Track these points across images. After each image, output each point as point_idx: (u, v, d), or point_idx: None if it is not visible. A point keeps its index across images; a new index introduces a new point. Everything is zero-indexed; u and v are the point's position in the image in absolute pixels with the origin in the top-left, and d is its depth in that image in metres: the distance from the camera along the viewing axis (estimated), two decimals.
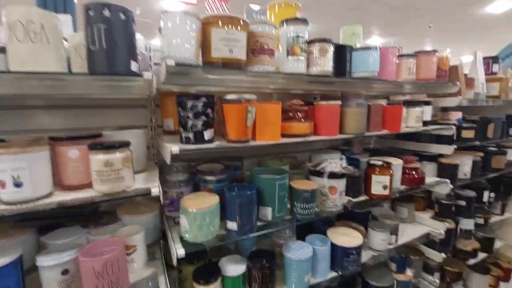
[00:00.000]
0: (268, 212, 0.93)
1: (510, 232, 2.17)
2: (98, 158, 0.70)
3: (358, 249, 1.12)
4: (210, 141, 0.85)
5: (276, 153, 1.45)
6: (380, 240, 1.28)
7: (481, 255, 1.94)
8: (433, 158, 1.64)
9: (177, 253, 0.76)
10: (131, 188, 0.75)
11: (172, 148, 0.74)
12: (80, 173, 0.75)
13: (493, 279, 1.96)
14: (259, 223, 0.95)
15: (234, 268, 0.99)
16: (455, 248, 1.85)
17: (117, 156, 0.71)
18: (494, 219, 2.04)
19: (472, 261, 1.87)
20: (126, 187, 0.73)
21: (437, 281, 1.56)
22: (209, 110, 0.83)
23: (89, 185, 0.74)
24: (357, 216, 1.39)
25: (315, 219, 1.04)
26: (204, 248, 0.85)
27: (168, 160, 0.76)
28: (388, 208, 1.60)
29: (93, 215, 1.02)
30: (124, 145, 0.75)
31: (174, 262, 0.78)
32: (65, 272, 0.73)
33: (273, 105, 0.91)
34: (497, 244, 2.07)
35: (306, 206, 0.98)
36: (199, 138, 0.82)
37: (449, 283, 1.72)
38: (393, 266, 1.45)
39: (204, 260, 1.05)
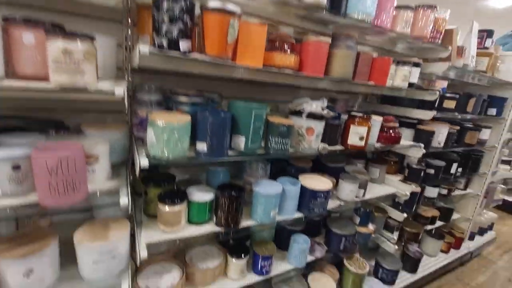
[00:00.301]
0: (241, 142, 0.91)
1: (468, 206, 2.33)
2: (56, 45, 0.63)
3: (326, 193, 1.15)
4: (186, 53, 0.78)
5: (257, 99, 1.41)
6: (348, 191, 1.32)
7: (438, 223, 2.08)
8: (412, 125, 1.66)
9: (140, 163, 0.73)
10: (93, 87, 0.68)
11: (141, 47, 0.67)
12: (36, 62, 0.67)
13: (445, 245, 2.13)
14: (231, 153, 0.93)
15: (201, 195, 0.99)
16: (416, 213, 1.97)
17: (78, 46, 0.64)
18: (456, 192, 2.16)
19: (429, 227, 2.01)
20: (87, 83, 0.67)
21: (395, 238, 1.66)
22: (187, 17, 0.76)
23: (45, 78, 0.67)
24: (330, 170, 1.41)
25: (288, 157, 1.03)
26: (168, 163, 0.82)
27: (136, 61, 0.70)
28: (361, 167, 1.64)
29: (57, 128, 0.95)
30: (88, 37, 0.67)
31: (137, 172, 0.75)
32: (16, 167, 0.69)
33: (258, 25, 0.85)
34: (454, 216, 2.22)
35: (281, 141, 0.97)
36: (173, 46, 0.75)
37: (405, 242, 1.84)
38: (357, 219, 1.52)
39: (172, 186, 1.03)
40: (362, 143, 1.20)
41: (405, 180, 1.68)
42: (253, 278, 1.18)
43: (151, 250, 0.93)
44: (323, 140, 1.15)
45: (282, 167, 1.34)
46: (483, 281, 2.18)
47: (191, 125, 0.84)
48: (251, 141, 0.91)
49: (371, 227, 1.54)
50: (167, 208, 0.91)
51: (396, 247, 1.65)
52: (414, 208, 1.75)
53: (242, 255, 1.14)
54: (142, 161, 0.73)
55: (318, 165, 1.44)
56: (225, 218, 0.99)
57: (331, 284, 1.46)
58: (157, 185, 0.98)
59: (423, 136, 1.60)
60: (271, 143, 0.97)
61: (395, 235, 1.71)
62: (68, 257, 0.83)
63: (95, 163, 0.81)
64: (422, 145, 1.51)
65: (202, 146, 0.83)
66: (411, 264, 1.83)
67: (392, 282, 1.69)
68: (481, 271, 2.30)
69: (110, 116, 1.06)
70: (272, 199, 1.03)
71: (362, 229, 1.50)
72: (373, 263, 1.76)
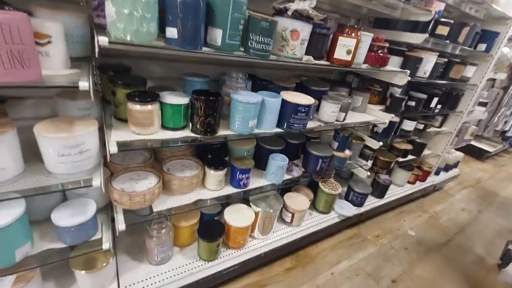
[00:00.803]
0: (217, 35, 0.82)
1: (439, 144, 2.45)
2: None
3: (307, 108, 1.12)
4: None
5: None
6: (330, 112, 1.30)
7: (410, 157, 2.20)
8: (400, 52, 1.60)
9: (98, 41, 0.64)
10: None
11: None
12: None
13: (413, 177, 2.29)
14: (206, 49, 0.85)
15: (176, 98, 0.93)
16: (391, 145, 2.05)
17: None
18: (431, 129, 2.24)
19: (401, 159, 2.11)
20: None
21: (369, 165, 1.74)
22: None
23: None
24: (313, 93, 1.37)
25: (268, 63, 0.95)
26: (132, 47, 0.73)
27: None
28: (346, 94, 1.61)
29: None
30: None
31: (96, 52, 0.66)
32: None
33: None
34: (426, 151, 2.34)
35: (263, 40, 0.88)
36: None
37: (377, 171, 1.95)
38: (335, 144, 1.55)
39: (142, 88, 0.96)
40: (349, 58, 1.14)
41: (386, 110, 1.68)
42: (231, 190, 1.22)
43: (128, 161, 0.90)
44: (308, 53, 1.08)
45: (264, 86, 1.28)
46: (440, 209, 2.42)
47: (160, 10, 0.73)
48: (228, 36, 0.82)
49: (347, 152, 1.58)
50: (137, 106, 0.85)
51: (368, 173, 1.74)
52: (390, 139, 1.81)
53: (220, 167, 1.14)
54: (101, 40, 0.64)
55: (301, 88, 1.39)
56: (201, 125, 0.95)
57: (305, 201, 1.55)
58: (126, 85, 0.90)
59: (410, 64, 1.56)
60: (251, 42, 0.88)
61: (369, 163, 1.79)
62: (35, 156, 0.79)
63: (48, 44, 0.71)
64: (408, 71, 1.47)
65: (172, 32, 0.73)
66: (380, 190, 1.97)
67: (360, 204, 1.83)
68: (440, 202, 2.55)
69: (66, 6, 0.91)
70: (251, 109, 0.99)
71: (339, 154, 1.54)
72: (346, 189, 1.88)
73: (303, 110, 1.11)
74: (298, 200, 1.54)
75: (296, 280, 1.49)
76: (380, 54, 1.31)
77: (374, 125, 1.74)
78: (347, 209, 1.75)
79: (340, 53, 1.13)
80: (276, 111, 1.11)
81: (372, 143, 1.66)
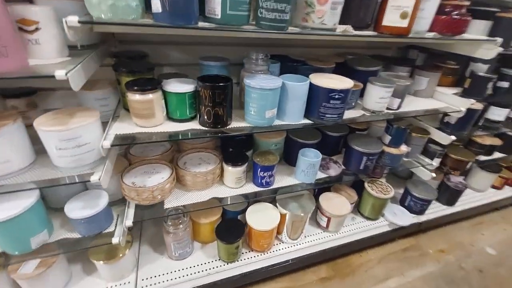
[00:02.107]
0: (216, 5, 0.66)
1: None
2: None
3: (343, 94, 0.88)
4: None
5: None
6: (378, 98, 1.03)
7: (497, 154, 1.70)
8: (488, 14, 1.17)
9: (66, 21, 0.55)
10: None
11: None
12: None
13: (499, 180, 1.78)
14: (203, 24, 0.70)
15: (179, 85, 0.82)
16: (470, 139, 1.60)
17: None
18: None
19: (483, 158, 1.65)
20: None
21: (434, 164, 1.38)
22: None
23: None
24: (359, 74, 1.11)
25: (284, 32, 0.76)
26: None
27: None
28: (406, 75, 1.27)
29: None
30: None
31: (69, 34, 0.58)
32: None
33: None
34: None
35: (277, 7, 0.69)
36: None
37: (448, 171, 1.55)
38: (387, 138, 1.25)
39: (149, 75, 0.87)
40: (405, 24, 0.85)
41: (463, 94, 1.29)
42: (252, 188, 1.08)
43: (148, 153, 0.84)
44: (345, 21, 0.83)
45: (294, 68, 1.08)
46: None
47: None
48: (230, 4, 0.66)
49: (403, 148, 1.27)
50: (136, 96, 0.76)
51: (434, 175, 1.38)
52: (467, 131, 1.40)
53: (239, 163, 1.01)
54: (70, 20, 0.55)
55: (344, 68, 1.13)
56: (207, 116, 0.82)
57: (345, 204, 1.31)
58: (130, 73, 0.83)
59: (503, 29, 1.13)
60: (261, 11, 0.70)
61: (434, 162, 1.42)
62: None
63: (37, 32, 0.66)
64: (499, 40, 1.06)
65: (156, 5, 0.60)
66: (450, 196, 1.57)
67: (420, 212, 1.49)
68: None
69: None
70: (268, 96, 0.82)
71: (392, 150, 1.24)
72: (402, 191, 1.55)
73: (337, 96, 0.88)
74: (336, 203, 1.32)
75: None
76: (455, 17, 0.95)
77: (445, 114, 1.36)
78: (401, 217, 1.44)
79: (392, 18, 0.85)
80: (303, 99, 0.91)
81: (441, 137, 1.30)
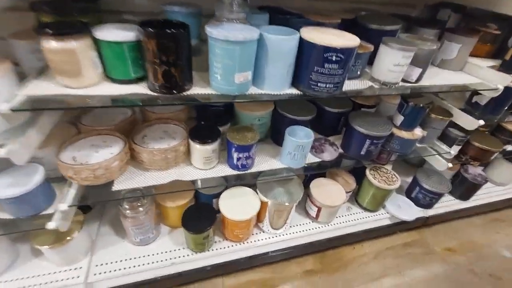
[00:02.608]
0: None
1: None
2: None
3: (343, 55, 0.65)
4: None
5: None
6: (392, 65, 0.78)
7: None
8: None
9: None
10: None
11: None
12: None
13: None
14: None
15: (117, 33, 0.60)
16: (498, 126, 1.34)
17: None
18: None
19: (510, 148, 1.40)
20: None
21: (452, 153, 1.15)
22: None
23: None
24: (371, 34, 0.85)
25: None
26: None
27: None
28: (433, 38, 1.00)
29: None
30: None
31: None
32: None
33: None
34: None
35: None
36: None
37: (466, 161, 1.31)
38: (399, 118, 1.02)
39: (71, 17, 0.65)
40: None
41: (502, 67, 1.02)
42: (226, 170, 0.89)
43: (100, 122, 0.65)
44: None
45: (287, 22, 0.82)
46: None
47: None
48: None
49: (418, 132, 1.04)
50: (53, 43, 0.55)
51: (450, 165, 1.16)
52: (500, 116, 1.14)
53: (209, 140, 0.82)
54: None
55: (353, 27, 0.87)
56: (154, 77, 0.61)
57: (340, 193, 1.12)
58: (54, 13, 0.61)
59: None
60: None
61: (453, 150, 1.19)
62: None
63: None
64: None
65: None
66: (466, 189, 1.36)
67: (428, 206, 1.29)
68: None
69: None
70: (235, 52, 0.59)
71: (404, 133, 1.01)
72: (409, 179, 1.34)
73: (334, 58, 0.64)
74: (329, 191, 1.13)
75: None
76: None
77: (475, 93, 1.10)
78: (406, 211, 1.25)
79: None
80: (288, 60, 0.68)
81: (466, 121, 1.06)
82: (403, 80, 0.86)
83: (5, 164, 0.77)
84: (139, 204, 0.91)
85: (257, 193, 1.02)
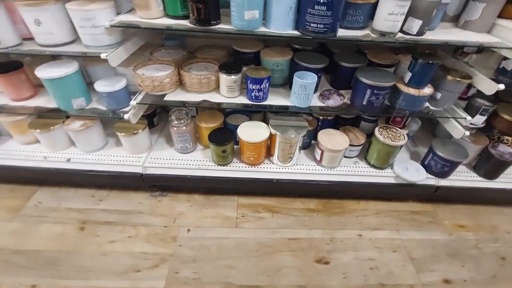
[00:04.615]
0: None
1: None
2: None
3: None
4: None
5: None
6: (386, 14, 0.89)
7: None
8: None
9: None
10: None
11: None
12: None
13: None
14: None
15: None
16: None
17: None
18: None
19: None
20: None
21: (468, 118, 1.14)
22: None
23: None
24: None
25: None
26: None
27: None
28: None
29: None
30: None
31: None
32: None
33: None
34: None
35: None
36: None
37: (495, 135, 1.25)
38: (407, 75, 1.09)
39: None
40: None
41: None
42: (244, 100, 1.16)
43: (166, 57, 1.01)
44: None
45: None
46: None
47: None
48: None
49: (426, 90, 1.09)
50: None
51: (467, 133, 1.15)
52: None
53: (232, 71, 1.09)
54: None
55: None
56: (192, 11, 0.90)
57: (344, 142, 1.26)
58: None
59: None
60: None
61: (476, 119, 1.17)
62: None
63: None
64: None
65: None
66: (492, 167, 1.29)
67: (440, 174, 1.30)
68: None
69: None
70: None
71: (410, 89, 1.09)
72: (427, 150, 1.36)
73: (321, 0, 0.82)
74: (335, 139, 1.28)
75: (311, 222, 1.35)
76: None
77: (503, 58, 1.06)
78: (412, 173, 1.29)
79: None
80: (289, 1, 0.88)
81: (485, 84, 1.05)
82: (404, 32, 0.95)
83: (106, 73, 1.21)
84: (181, 117, 1.26)
85: (269, 127, 1.25)
